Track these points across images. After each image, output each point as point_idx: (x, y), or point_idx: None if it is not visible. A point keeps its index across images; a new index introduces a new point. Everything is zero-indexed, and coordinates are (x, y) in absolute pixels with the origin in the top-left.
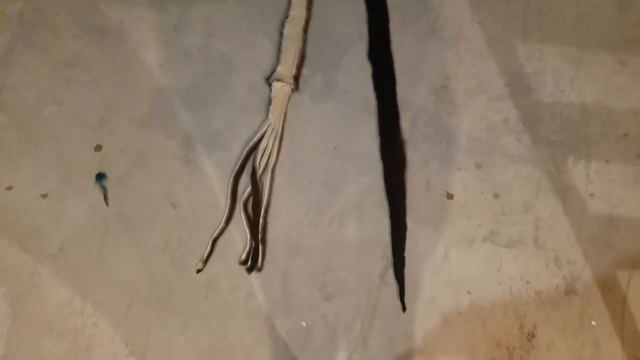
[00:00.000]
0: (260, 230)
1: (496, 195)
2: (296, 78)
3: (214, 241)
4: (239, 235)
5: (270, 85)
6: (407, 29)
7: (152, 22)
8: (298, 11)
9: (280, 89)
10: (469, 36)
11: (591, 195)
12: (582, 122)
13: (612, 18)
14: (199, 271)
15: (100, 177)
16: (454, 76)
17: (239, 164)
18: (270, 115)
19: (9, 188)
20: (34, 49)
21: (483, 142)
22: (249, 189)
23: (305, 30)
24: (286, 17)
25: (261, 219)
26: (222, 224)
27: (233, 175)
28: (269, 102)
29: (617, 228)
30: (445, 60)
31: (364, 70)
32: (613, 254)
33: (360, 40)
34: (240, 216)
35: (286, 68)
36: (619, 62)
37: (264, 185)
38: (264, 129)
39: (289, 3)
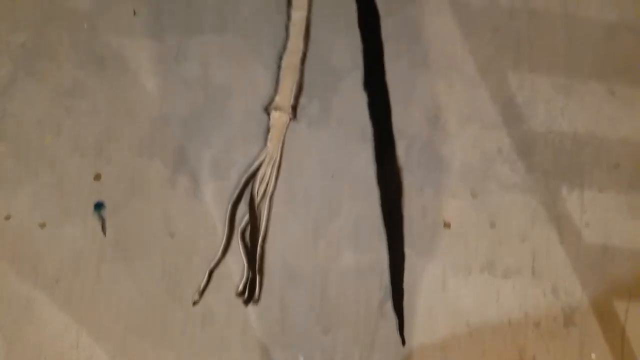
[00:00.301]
0: (257, 259)
1: (492, 224)
2: (294, 108)
3: (211, 272)
4: (236, 265)
5: (268, 114)
6: (400, 59)
7: (151, 52)
8: (295, 43)
9: (279, 118)
10: (461, 66)
11: (586, 224)
12: (574, 151)
13: (600, 47)
14: (195, 303)
15: (98, 206)
16: (446, 105)
17: (237, 192)
18: (269, 144)
19: (7, 217)
20: (35, 79)
21: (477, 170)
22: (246, 217)
23: (303, 61)
24: (284, 49)
25: (259, 248)
26: (219, 254)
27: (231, 203)
28: (267, 131)
29: (612, 258)
30: (438, 89)
31: (360, 99)
32: (610, 284)
33: (355, 70)
34: (237, 245)
35: (284, 98)
36: (609, 92)
37: (262, 214)
38: (262, 158)
39: (287, 35)
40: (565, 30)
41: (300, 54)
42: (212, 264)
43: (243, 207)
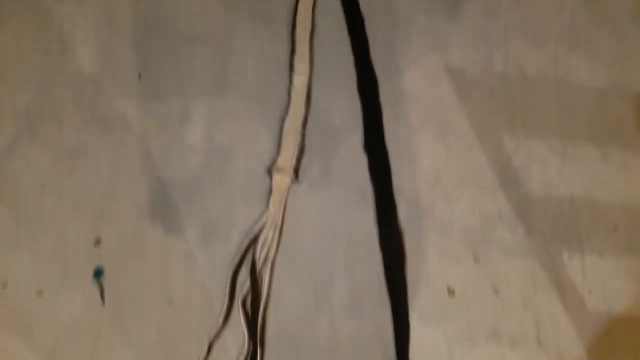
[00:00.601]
0: (258, 330)
1: (496, 291)
2: (296, 170)
3: (210, 345)
4: (236, 336)
5: (270, 176)
6: (399, 122)
7: (155, 114)
8: (297, 106)
9: (281, 180)
10: (458, 130)
11: (589, 290)
12: (572, 215)
13: (592, 111)
14: None
15: (97, 273)
16: (445, 168)
17: (238, 257)
18: (271, 207)
19: (4, 284)
20: (37, 141)
21: (479, 234)
22: (247, 284)
23: (304, 124)
24: (286, 112)
25: (260, 319)
26: (220, 324)
27: (232, 269)
28: (269, 193)
29: (616, 324)
30: (437, 152)
31: (360, 160)
32: (614, 352)
33: (355, 132)
34: (237, 314)
35: (286, 160)
36: (603, 155)
37: (264, 280)
38: (264, 220)
39: (289, 99)
40: (557, 95)
41: (301, 117)
42: (211, 335)
43: (244, 273)
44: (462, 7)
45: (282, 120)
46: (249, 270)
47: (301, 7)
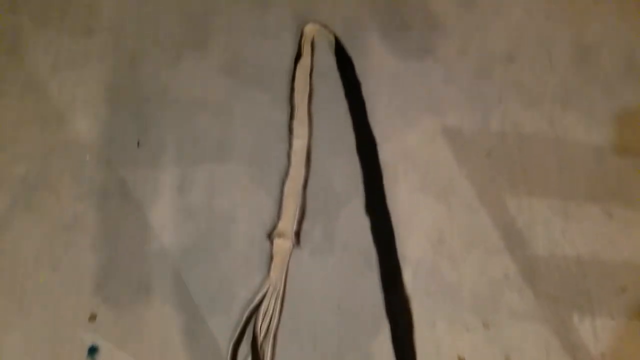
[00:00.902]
0: None
1: (507, 358)
2: (297, 234)
3: None
4: None
5: (271, 241)
6: (399, 184)
7: (154, 182)
8: (297, 170)
9: (281, 245)
10: (459, 190)
11: (602, 355)
12: (579, 276)
13: (591, 169)
14: None
15: (92, 350)
16: (448, 229)
17: (238, 330)
18: (272, 274)
19: None
20: (33, 212)
21: (487, 299)
22: (249, 358)
23: (305, 187)
24: (286, 175)
25: None
26: None
27: (232, 343)
28: (270, 259)
29: None
30: (439, 214)
31: (363, 223)
32: None
33: (356, 194)
34: None
35: (287, 224)
36: (606, 214)
37: (266, 355)
38: (265, 289)
39: (289, 162)
40: (556, 153)
41: (302, 180)
42: None
43: (245, 347)
44: (457, 69)
45: (283, 184)
46: (250, 345)
47: (299, 72)
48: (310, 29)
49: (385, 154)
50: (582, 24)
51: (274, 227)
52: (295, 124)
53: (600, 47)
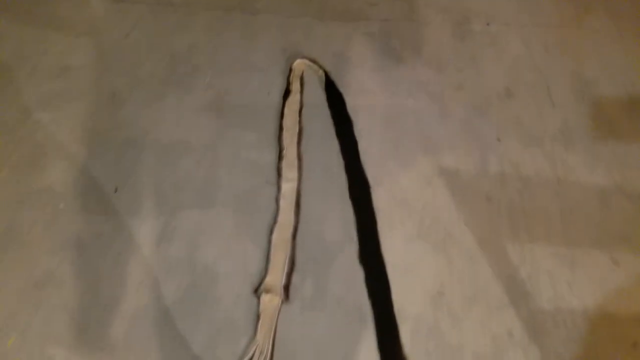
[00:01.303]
0: None
1: None
2: (286, 287)
3: None
4: None
5: (258, 298)
6: (394, 231)
7: (133, 233)
8: (286, 216)
9: (269, 302)
10: (458, 238)
11: None
12: (587, 331)
13: (595, 215)
14: None
15: None
16: (448, 282)
17: None
18: (258, 335)
19: None
20: (2, 268)
21: (491, 359)
22: None
23: (294, 235)
24: (274, 222)
25: None
26: None
27: None
28: (257, 318)
29: None
30: (438, 265)
31: (356, 274)
32: None
33: (349, 243)
34: None
35: (275, 278)
36: (612, 261)
37: None
38: (251, 353)
39: (277, 208)
40: (558, 196)
41: (291, 228)
42: None
43: None
44: (452, 104)
45: (271, 232)
46: None
47: (288, 110)
48: (299, 64)
49: (379, 199)
50: (582, 56)
51: (261, 281)
52: (284, 165)
53: (601, 80)
